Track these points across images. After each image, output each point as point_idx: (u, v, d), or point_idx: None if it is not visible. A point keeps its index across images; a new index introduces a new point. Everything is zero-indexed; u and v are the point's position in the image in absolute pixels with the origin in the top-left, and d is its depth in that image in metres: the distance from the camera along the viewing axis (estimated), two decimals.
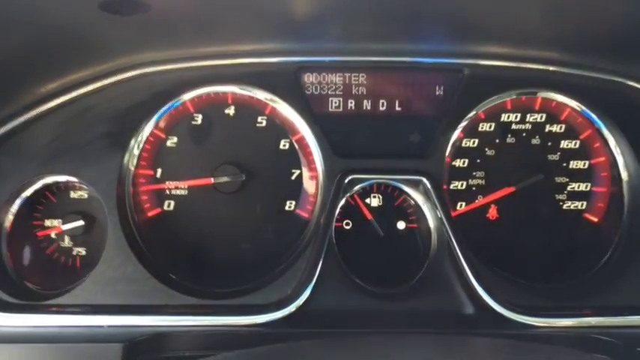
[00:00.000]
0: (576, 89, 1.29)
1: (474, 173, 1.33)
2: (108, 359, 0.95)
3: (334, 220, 1.24)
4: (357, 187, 1.28)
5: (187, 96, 1.31)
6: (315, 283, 1.14)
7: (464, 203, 1.33)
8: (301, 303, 1.12)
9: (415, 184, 1.26)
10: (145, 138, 1.29)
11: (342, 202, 1.27)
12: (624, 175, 1.29)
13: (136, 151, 1.28)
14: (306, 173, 1.31)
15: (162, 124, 1.30)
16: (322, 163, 1.26)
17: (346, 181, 1.24)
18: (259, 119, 1.33)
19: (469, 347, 0.86)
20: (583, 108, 1.30)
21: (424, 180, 1.23)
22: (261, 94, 1.31)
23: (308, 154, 1.30)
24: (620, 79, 1.26)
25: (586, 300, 1.18)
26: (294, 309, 1.11)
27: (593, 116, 1.30)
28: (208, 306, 1.11)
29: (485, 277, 1.16)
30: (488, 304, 1.12)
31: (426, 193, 1.25)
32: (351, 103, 1.34)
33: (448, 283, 1.18)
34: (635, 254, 1.23)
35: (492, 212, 1.33)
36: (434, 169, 1.25)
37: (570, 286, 1.24)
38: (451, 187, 1.33)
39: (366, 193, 1.32)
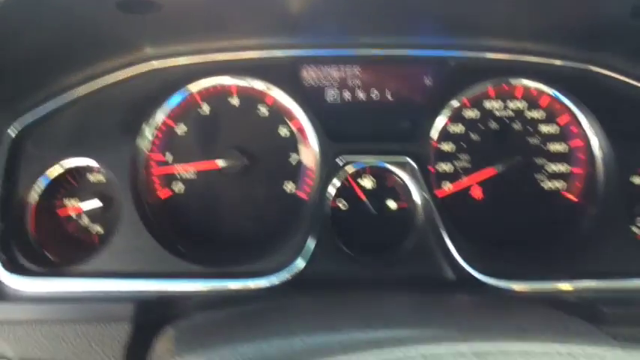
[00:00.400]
0: (553, 77, 1.39)
1: (460, 156, 1.44)
2: (120, 317, 1.06)
3: (328, 198, 1.35)
4: (351, 170, 1.39)
5: (195, 87, 1.43)
6: (311, 254, 1.26)
7: (450, 183, 1.44)
8: (297, 270, 1.24)
9: (403, 166, 1.37)
10: (157, 125, 1.41)
11: (338, 184, 1.38)
12: (598, 156, 1.39)
13: (149, 138, 1.40)
14: (304, 158, 1.42)
15: (172, 113, 1.42)
16: (318, 148, 1.38)
17: (339, 162, 1.35)
18: (261, 108, 1.44)
19: (443, 303, 0.97)
20: (559, 95, 1.41)
21: (410, 161, 1.35)
22: (262, 86, 1.42)
23: (305, 140, 1.41)
24: (590, 67, 1.37)
25: (561, 267, 1.29)
26: (289, 276, 1.23)
27: (569, 102, 1.40)
28: (211, 272, 1.23)
29: (466, 248, 1.27)
30: (466, 270, 1.24)
31: (412, 174, 1.36)
32: (346, 93, 1.46)
33: (432, 253, 1.29)
34: (607, 227, 1.34)
35: (477, 192, 1.44)
36: (419, 151, 1.36)
37: (547, 255, 1.34)
38: (439, 169, 1.44)
39: (360, 175, 1.43)
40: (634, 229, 1.41)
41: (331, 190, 1.36)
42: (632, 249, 1.32)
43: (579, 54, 1.36)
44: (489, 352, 0.57)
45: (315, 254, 1.26)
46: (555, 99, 1.42)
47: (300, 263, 1.25)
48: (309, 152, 1.41)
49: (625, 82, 1.36)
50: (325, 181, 1.34)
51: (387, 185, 1.43)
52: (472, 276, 1.23)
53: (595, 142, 1.39)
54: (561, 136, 1.43)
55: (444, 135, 1.44)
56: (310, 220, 1.31)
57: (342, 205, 1.42)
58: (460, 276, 1.24)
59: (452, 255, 1.26)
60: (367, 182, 1.44)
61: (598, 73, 1.37)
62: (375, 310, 0.92)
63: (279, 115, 1.44)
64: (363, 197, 1.42)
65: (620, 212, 1.37)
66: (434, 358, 0.56)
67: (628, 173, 1.37)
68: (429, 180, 1.37)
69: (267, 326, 0.85)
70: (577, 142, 1.42)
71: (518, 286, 1.22)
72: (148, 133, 1.39)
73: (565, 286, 1.22)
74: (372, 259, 1.33)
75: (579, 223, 1.40)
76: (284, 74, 1.42)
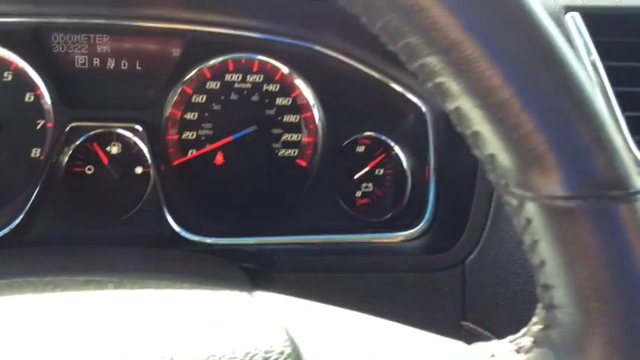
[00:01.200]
0: (282, 54, 1.53)
1: (203, 125, 1.56)
2: None
3: (61, 162, 1.43)
4: (90, 134, 1.46)
5: None
6: (29, 213, 1.33)
7: (194, 151, 1.56)
8: (13, 228, 1.32)
9: (138, 133, 1.47)
10: None
11: (71, 149, 1.45)
12: (319, 125, 1.56)
13: None
14: (47, 123, 1.48)
15: None
16: (54, 114, 1.44)
17: (71, 128, 1.43)
18: (5, 74, 1.47)
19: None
20: (289, 70, 1.55)
21: (141, 128, 1.45)
22: (5, 52, 1.45)
23: (47, 106, 1.46)
24: (313, 46, 1.52)
25: (276, 225, 1.47)
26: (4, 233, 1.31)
27: (297, 77, 1.55)
28: None
29: (186, 209, 1.41)
30: (175, 229, 1.39)
31: (147, 141, 1.46)
32: (96, 61, 1.51)
33: (154, 215, 1.41)
34: (326, 192, 1.54)
35: (218, 159, 1.57)
36: (153, 119, 1.47)
37: (268, 216, 1.51)
38: (183, 137, 1.55)
39: (106, 141, 1.51)
40: (357, 193, 1.61)
41: (64, 155, 1.44)
42: (342, 211, 1.52)
43: (303, 33, 1.51)
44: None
45: (34, 215, 1.34)
46: (287, 74, 1.56)
47: (15, 222, 1.32)
48: (51, 118, 1.47)
49: (343, 60, 1.53)
50: (56, 146, 1.41)
51: (132, 152, 1.52)
52: (180, 234, 1.37)
53: (317, 114, 1.56)
54: (294, 108, 1.58)
55: (188, 105, 1.54)
56: (39, 183, 1.38)
57: (87, 169, 1.50)
58: (172, 234, 1.38)
59: (167, 217, 1.39)
60: (114, 148, 1.52)
61: (320, 51, 1.53)
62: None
63: (24, 81, 1.47)
64: (107, 162, 1.50)
65: (338, 178, 1.56)
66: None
67: (344, 142, 1.56)
68: (166, 147, 1.49)
69: None
70: (307, 114, 1.58)
71: (217, 241, 1.38)
72: None
73: (260, 240, 1.39)
74: (101, 221, 1.42)
75: (305, 188, 1.57)
76: (28, 41, 1.45)
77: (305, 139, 1.60)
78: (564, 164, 0.45)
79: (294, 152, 1.60)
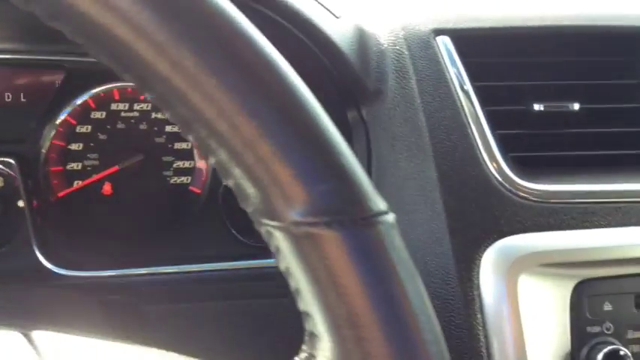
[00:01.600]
0: None
1: (89, 155, 1.52)
2: None
3: None
4: None
5: None
6: None
7: (80, 182, 1.52)
8: None
9: (11, 167, 1.43)
10: None
11: None
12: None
13: None
14: None
15: None
16: None
17: None
18: None
19: None
20: None
21: (14, 162, 1.41)
22: None
23: None
24: None
25: (163, 255, 1.43)
26: None
27: None
28: None
29: (60, 244, 1.37)
30: (46, 265, 1.34)
31: (24, 174, 1.42)
32: None
33: (23, 251, 1.36)
34: (210, 217, 1.49)
35: (106, 189, 1.53)
36: (28, 153, 1.43)
37: (158, 244, 1.47)
38: (67, 167, 1.51)
39: None
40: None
41: None
42: (232, 236, 1.49)
43: None
44: None
45: None
46: None
47: None
48: None
49: None
50: None
51: (15, 185, 1.48)
52: (49, 269, 1.33)
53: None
54: None
55: (72, 135, 1.51)
56: None
57: None
58: (40, 270, 1.33)
59: (35, 252, 1.35)
60: None
61: None
62: None
63: None
64: None
65: (232, 203, 1.52)
66: None
67: None
68: (48, 179, 1.45)
69: None
70: None
71: (89, 274, 1.34)
72: None
73: (135, 271, 1.35)
74: None
75: (197, 214, 1.53)
76: None
77: (198, 165, 1.56)
78: (300, 191, 0.44)
79: (187, 179, 1.56)
